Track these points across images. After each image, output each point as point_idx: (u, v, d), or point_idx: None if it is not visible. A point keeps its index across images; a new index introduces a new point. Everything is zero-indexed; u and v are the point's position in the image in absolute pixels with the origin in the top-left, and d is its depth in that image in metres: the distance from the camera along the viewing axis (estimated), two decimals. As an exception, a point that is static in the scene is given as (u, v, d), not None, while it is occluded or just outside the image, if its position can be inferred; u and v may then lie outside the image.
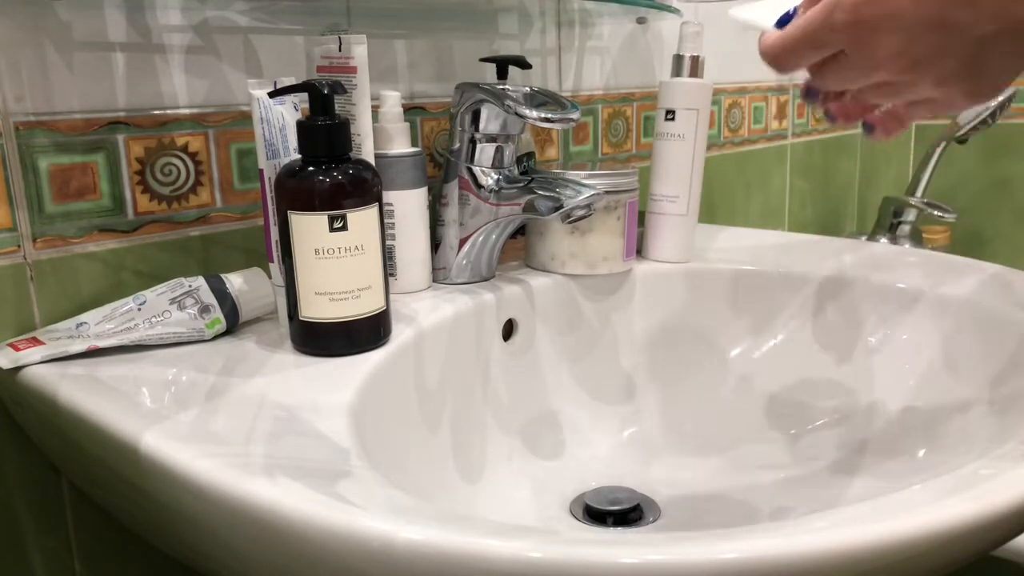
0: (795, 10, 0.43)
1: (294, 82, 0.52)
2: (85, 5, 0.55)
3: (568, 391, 0.69)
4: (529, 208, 0.63)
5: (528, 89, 0.65)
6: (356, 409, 0.44)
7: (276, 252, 0.54)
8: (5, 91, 0.52)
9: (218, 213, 0.63)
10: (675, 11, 0.85)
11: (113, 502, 0.50)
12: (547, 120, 0.59)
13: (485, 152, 0.65)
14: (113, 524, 0.60)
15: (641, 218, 0.78)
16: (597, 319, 0.72)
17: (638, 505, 0.60)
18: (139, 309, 0.53)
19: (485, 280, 0.68)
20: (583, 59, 0.90)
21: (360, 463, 0.37)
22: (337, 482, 0.35)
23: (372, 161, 0.59)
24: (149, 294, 0.54)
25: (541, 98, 0.65)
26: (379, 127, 0.62)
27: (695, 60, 0.75)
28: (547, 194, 0.61)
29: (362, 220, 0.50)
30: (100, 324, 0.53)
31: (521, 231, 0.75)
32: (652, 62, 0.99)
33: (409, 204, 0.63)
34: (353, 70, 0.57)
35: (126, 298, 0.54)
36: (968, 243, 1.53)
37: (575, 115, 0.60)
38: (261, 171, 0.54)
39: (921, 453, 0.58)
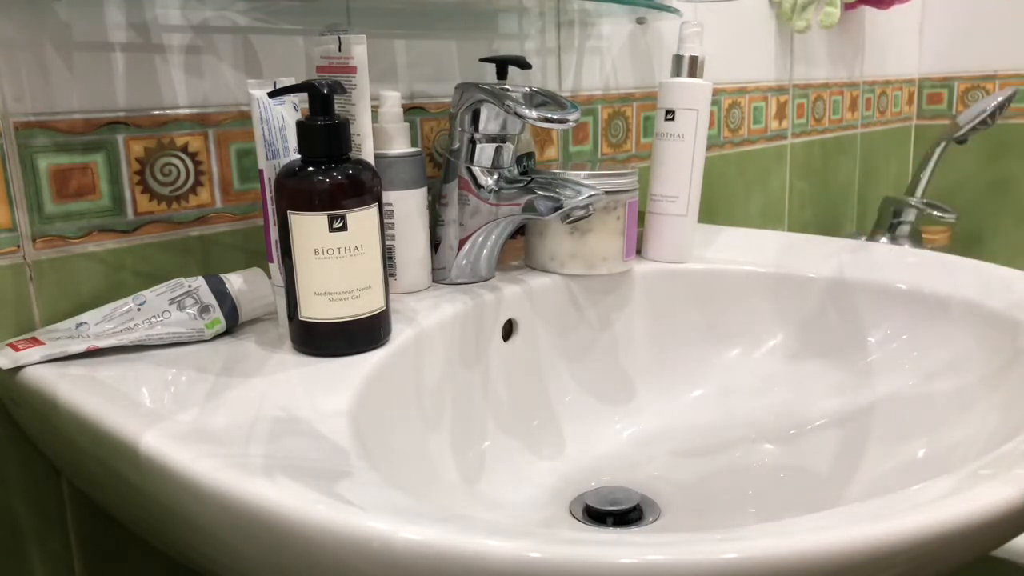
0: None
1: (294, 82, 0.52)
2: (85, 5, 0.55)
3: (568, 391, 0.69)
4: (529, 208, 0.63)
5: (528, 89, 0.65)
6: (356, 409, 0.44)
7: (276, 252, 0.54)
8: (5, 91, 0.52)
9: (218, 213, 0.63)
10: (675, 11, 0.85)
11: (113, 502, 0.50)
12: (547, 120, 0.59)
13: (485, 152, 0.65)
14: (113, 524, 0.60)
15: (641, 218, 0.78)
16: (597, 319, 0.72)
17: (638, 505, 0.60)
18: (139, 309, 0.53)
19: (485, 280, 0.68)
20: (583, 59, 0.90)
21: (360, 463, 0.37)
22: (337, 482, 0.35)
23: (372, 161, 0.59)
24: (149, 294, 0.54)
25: (541, 98, 0.65)
26: (379, 127, 0.62)
27: (695, 60, 0.75)
28: (547, 194, 0.61)
29: (362, 220, 0.50)
30: (100, 324, 0.53)
31: (521, 231, 0.75)
32: (652, 62, 0.99)
33: (409, 204, 0.63)
34: (353, 70, 0.57)
35: (126, 298, 0.54)
36: (968, 243, 1.53)
37: (574, 115, 0.60)
38: (261, 171, 0.54)
39: (921, 453, 0.58)
